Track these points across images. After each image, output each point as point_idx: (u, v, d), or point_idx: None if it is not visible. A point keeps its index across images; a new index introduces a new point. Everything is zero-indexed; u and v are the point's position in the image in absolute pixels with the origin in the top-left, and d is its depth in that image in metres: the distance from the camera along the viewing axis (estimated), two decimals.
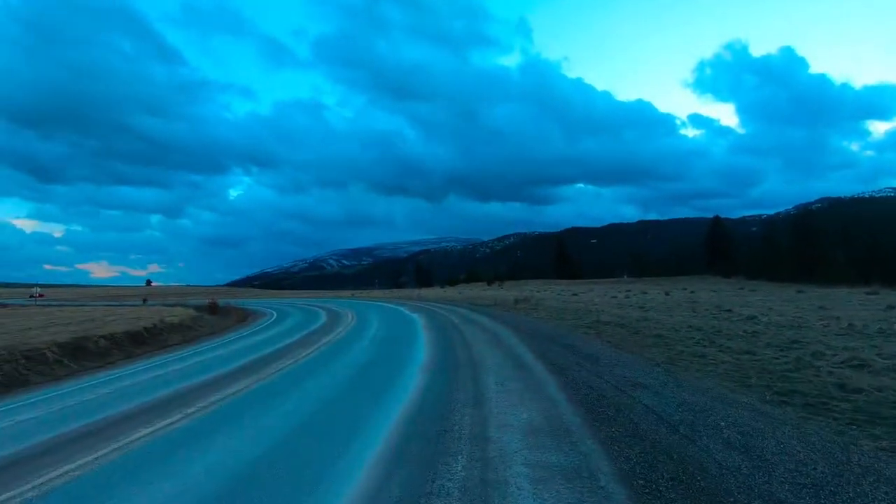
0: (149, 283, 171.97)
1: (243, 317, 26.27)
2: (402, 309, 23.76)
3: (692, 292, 33.44)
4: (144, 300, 50.96)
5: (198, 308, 31.53)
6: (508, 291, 47.69)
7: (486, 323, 14.85)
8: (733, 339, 10.37)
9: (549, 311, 19.46)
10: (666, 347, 9.08)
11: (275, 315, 25.64)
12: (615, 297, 31.05)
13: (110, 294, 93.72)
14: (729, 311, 18.06)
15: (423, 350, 9.39)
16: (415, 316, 18.83)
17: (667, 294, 31.24)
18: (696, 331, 11.99)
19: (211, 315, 27.20)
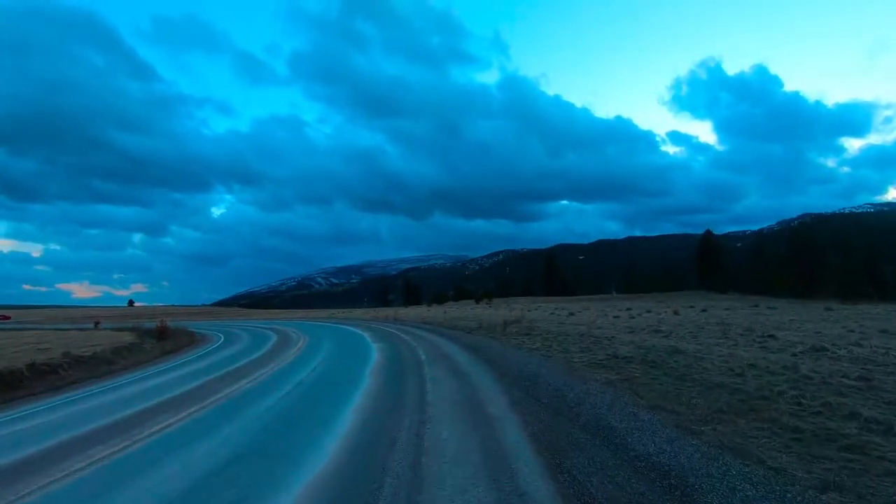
0: (131, 303, 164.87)
1: (183, 344, 22.09)
2: (365, 336, 19.71)
3: (704, 311, 29.81)
4: (97, 324, 46.07)
5: (147, 332, 27.66)
6: (497, 310, 43.75)
7: (463, 362, 10.90)
8: (847, 394, 6.60)
9: (545, 337, 15.60)
10: (766, 421, 5.25)
11: (220, 342, 21.69)
12: (617, 316, 27.29)
13: (77, 316, 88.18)
14: (771, 336, 14.37)
15: (342, 429, 5.42)
16: (374, 347, 14.82)
17: (675, 313, 27.56)
18: (769, 374, 8.22)
19: (159, 340, 23.38)
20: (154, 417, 6.81)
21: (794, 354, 10.77)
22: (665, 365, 9.49)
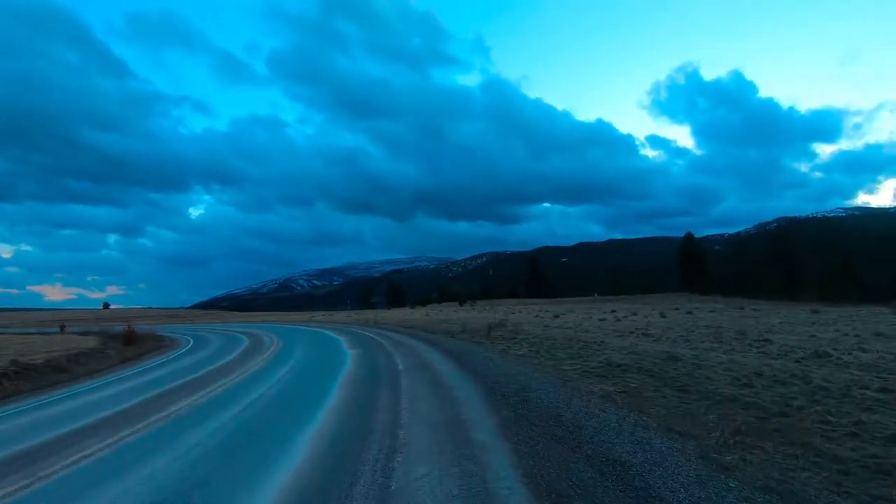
0: (106, 306, 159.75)
1: (147, 350, 20.76)
2: (342, 341, 18.66)
3: (689, 313, 29.40)
4: (62, 328, 43.97)
5: (114, 337, 26.26)
6: (481, 313, 42.95)
7: (444, 371, 9.97)
8: (876, 409, 5.87)
9: (532, 342, 14.78)
10: (797, 445, 4.45)
11: (187, 347, 20.46)
12: (603, 319, 26.68)
13: (47, 319, 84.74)
14: (767, 340, 13.79)
15: (293, 463, 4.44)
16: (349, 354, 13.81)
17: (662, 316, 27.07)
18: (779, 384, 7.48)
19: (125, 345, 22.06)
20: (78, 443, 5.77)
21: (798, 361, 10.12)
22: (664, 374, 8.72)
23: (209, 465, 4.47)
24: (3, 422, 7.31)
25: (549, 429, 4.88)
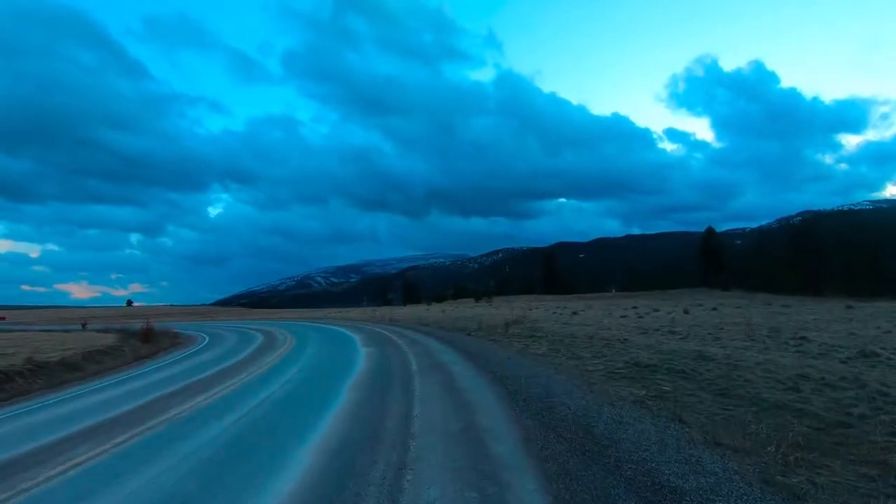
0: (129, 303, 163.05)
1: (162, 348, 20.70)
2: (355, 340, 18.25)
3: (714, 309, 28.39)
4: (84, 325, 44.74)
5: (133, 334, 26.48)
6: (497, 309, 42.33)
7: (460, 373, 9.43)
8: None
9: (552, 340, 14.21)
10: (869, 464, 3.84)
11: (201, 345, 20.33)
12: (624, 315, 25.88)
13: (71, 316, 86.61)
14: (804, 339, 13.00)
15: (290, 480, 3.93)
16: (362, 353, 13.36)
17: (686, 312, 26.14)
18: (830, 388, 6.79)
19: (143, 342, 22.10)
20: (69, 450, 5.40)
21: (844, 361, 9.37)
22: (698, 376, 8.07)
23: (200, 479, 4.02)
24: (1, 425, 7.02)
25: (580, 442, 4.30)
